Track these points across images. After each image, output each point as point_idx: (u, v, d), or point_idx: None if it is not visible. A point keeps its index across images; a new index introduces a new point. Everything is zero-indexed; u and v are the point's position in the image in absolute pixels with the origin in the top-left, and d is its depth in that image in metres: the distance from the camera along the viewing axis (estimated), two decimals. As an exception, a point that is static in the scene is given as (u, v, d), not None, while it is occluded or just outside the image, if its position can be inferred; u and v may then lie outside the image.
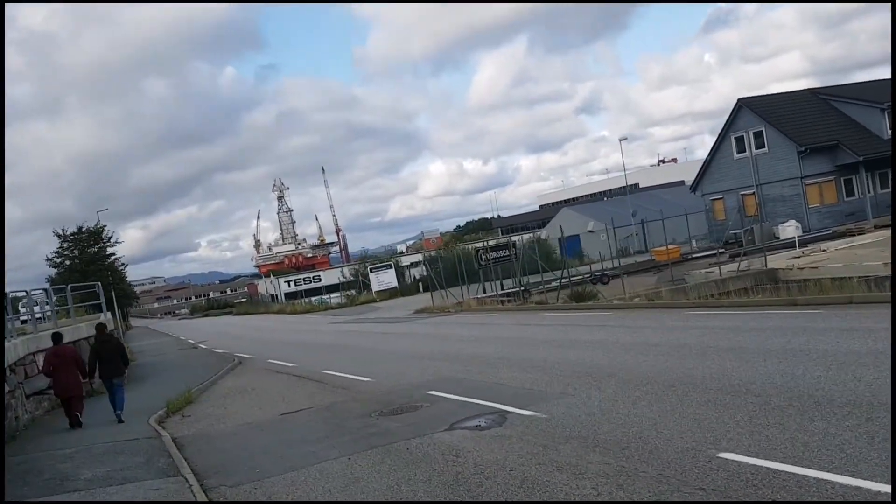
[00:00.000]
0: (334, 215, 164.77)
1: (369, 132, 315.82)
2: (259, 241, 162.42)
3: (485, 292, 36.62)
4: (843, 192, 42.24)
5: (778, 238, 40.55)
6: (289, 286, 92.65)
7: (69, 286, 19.43)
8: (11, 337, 14.78)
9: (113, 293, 26.17)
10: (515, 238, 53.04)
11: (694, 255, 42.59)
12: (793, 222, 41.14)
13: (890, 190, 40.63)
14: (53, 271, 41.26)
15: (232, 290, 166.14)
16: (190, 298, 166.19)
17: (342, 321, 38.61)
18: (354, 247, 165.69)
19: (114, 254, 43.30)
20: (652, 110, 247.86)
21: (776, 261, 27.64)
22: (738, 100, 45.60)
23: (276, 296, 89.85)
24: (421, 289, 56.50)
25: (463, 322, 24.82)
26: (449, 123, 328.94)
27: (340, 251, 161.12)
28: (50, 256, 41.77)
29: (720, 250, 39.58)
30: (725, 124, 46.60)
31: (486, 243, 43.92)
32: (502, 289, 36.97)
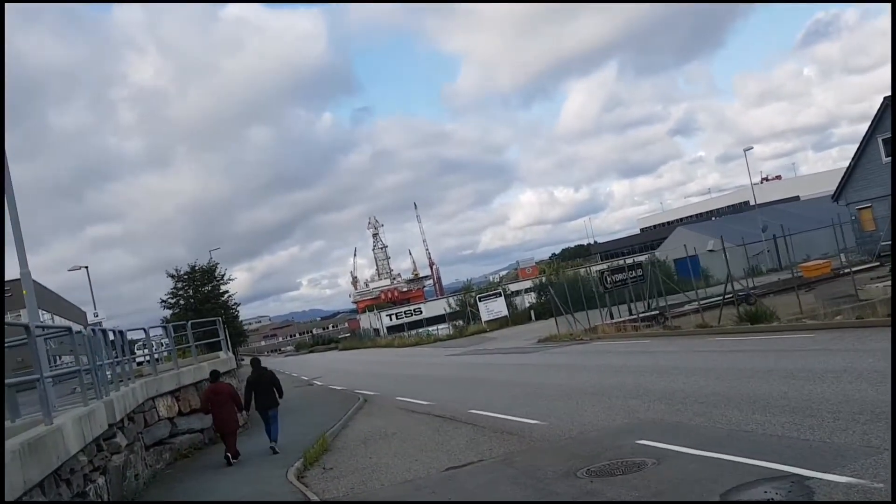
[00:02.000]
0: (427, 249, 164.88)
1: (459, 166, 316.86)
2: (356, 277, 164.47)
3: (612, 317, 33.48)
4: None
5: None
6: (391, 319, 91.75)
7: (189, 322, 17.96)
8: (129, 381, 13.16)
9: (227, 331, 24.76)
10: (641, 258, 49.40)
11: (846, 270, 37.91)
12: (962, 229, 35.94)
13: None
14: (168, 313, 40.95)
15: (333, 326, 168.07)
16: (294, 336, 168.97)
17: (459, 353, 36.29)
18: (447, 279, 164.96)
19: (227, 291, 42.73)
20: (750, 128, 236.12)
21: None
22: (885, 98, 40.83)
23: (379, 330, 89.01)
24: (533, 317, 53.71)
25: (611, 350, 21.92)
26: (539, 152, 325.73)
27: (434, 284, 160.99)
28: (164, 298, 41.55)
29: (875, 262, 34.84)
30: (870, 126, 41.84)
31: (609, 265, 40.69)
32: (630, 313, 33.75)
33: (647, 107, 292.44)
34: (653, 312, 31.85)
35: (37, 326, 7.79)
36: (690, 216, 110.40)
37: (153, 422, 14.06)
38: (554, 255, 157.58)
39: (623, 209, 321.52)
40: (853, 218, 45.00)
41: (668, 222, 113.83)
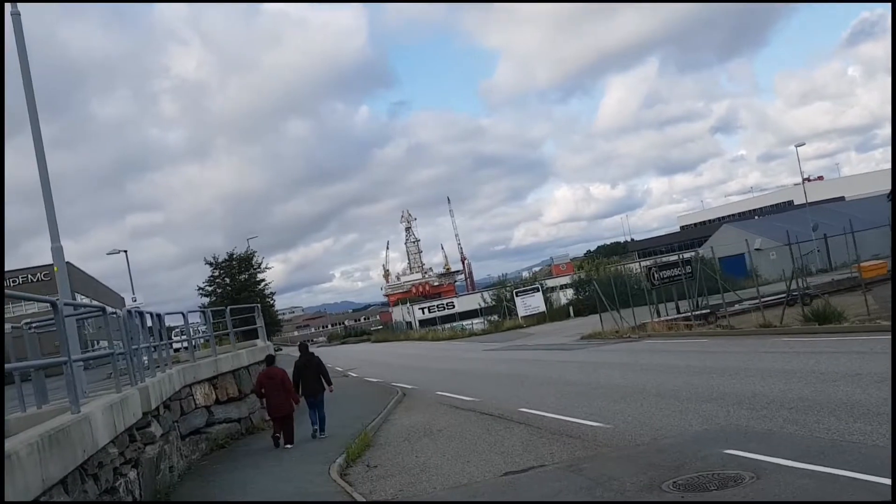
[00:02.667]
0: (459, 244, 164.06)
1: (495, 161, 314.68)
2: (388, 270, 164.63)
3: (658, 315, 32.20)
4: None
5: None
6: (423, 313, 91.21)
7: (228, 308, 17.29)
8: (167, 366, 12.49)
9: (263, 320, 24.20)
10: (687, 254, 47.84)
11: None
12: None
13: None
14: (205, 300, 40.71)
15: (365, 319, 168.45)
16: (326, 326, 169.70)
17: (496, 348, 35.35)
18: (479, 275, 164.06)
19: (263, 279, 42.36)
20: (792, 127, 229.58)
21: None
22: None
23: (411, 323, 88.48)
24: (572, 313, 52.49)
25: (667, 349, 20.78)
26: (575, 148, 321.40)
27: (466, 279, 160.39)
28: (201, 285, 41.33)
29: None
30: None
31: (656, 261, 39.38)
32: (678, 311, 32.43)
33: (687, 104, 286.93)
34: (703, 311, 30.55)
35: (66, 304, 7.07)
36: (732, 215, 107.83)
37: (189, 410, 13.40)
38: (589, 251, 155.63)
39: (661, 206, 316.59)
40: (914, 217, 42.94)
41: (710, 220, 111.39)
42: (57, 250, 9.45)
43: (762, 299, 28.12)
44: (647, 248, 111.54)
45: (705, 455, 8.09)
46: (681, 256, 42.16)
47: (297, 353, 15.16)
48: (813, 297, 29.73)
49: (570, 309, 53.06)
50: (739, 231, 64.99)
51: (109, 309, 8.69)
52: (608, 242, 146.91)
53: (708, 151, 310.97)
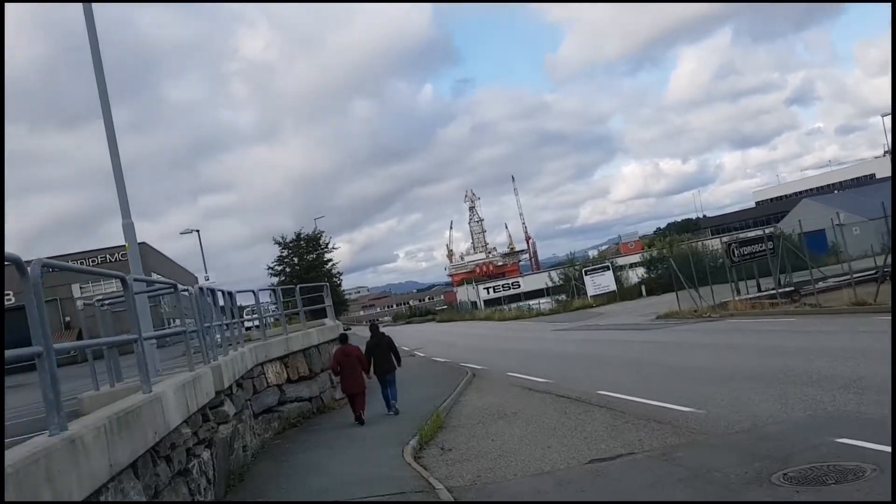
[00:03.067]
0: (524, 223, 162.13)
1: (560, 138, 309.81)
2: (451, 250, 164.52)
3: (738, 293, 30.76)
4: None
5: None
6: (488, 293, 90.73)
7: (298, 287, 17.17)
8: (238, 344, 12.37)
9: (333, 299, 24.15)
10: (769, 230, 45.88)
11: None
12: None
13: None
14: (274, 280, 41.22)
15: (429, 299, 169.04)
16: (391, 307, 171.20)
17: (566, 328, 34.58)
18: (544, 254, 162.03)
19: (331, 259, 42.63)
20: (872, 98, 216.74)
21: None
22: None
23: (476, 302, 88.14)
24: (644, 292, 51.10)
25: (753, 329, 19.68)
26: (644, 122, 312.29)
27: (530, 259, 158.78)
28: (270, 265, 41.85)
29: None
30: None
31: (736, 237, 37.75)
32: (759, 289, 30.92)
33: (762, 75, 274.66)
34: (786, 289, 29.03)
35: (136, 280, 6.84)
36: (810, 189, 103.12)
37: (262, 389, 13.30)
38: (659, 229, 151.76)
39: (734, 182, 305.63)
40: None
41: (787, 195, 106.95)
42: (128, 227, 9.32)
43: (842, 277, 26.53)
44: (721, 224, 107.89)
45: (815, 444, 7.34)
46: (764, 231, 40.30)
47: (364, 333, 15.10)
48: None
49: (642, 288, 51.65)
50: (820, 206, 62.00)
51: (181, 286, 8.49)
52: (679, 219, 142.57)
53: (783, 124, 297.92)
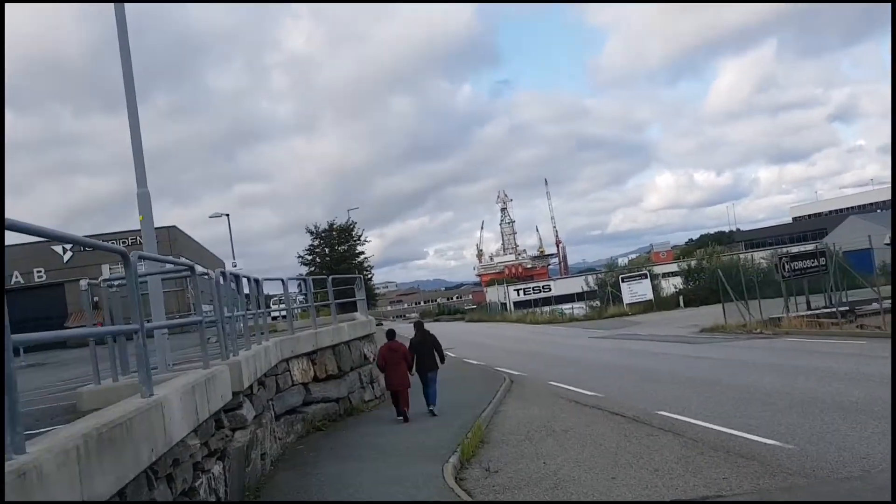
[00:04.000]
0: (555, 227, 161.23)
1: (597, 144, 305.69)
2: (481, 250, 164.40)
3: (787, 310, 28.99)
4: None
5: None
6: (518, 295, 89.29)
7: (330, 277, 16.01)
8: (262, 337, 11.20)
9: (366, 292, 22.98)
10: (820, 245, 43.92)
11: None
12: None
13: None
14: (304, 270, 40.28)
15: (457, 297, 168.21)
16: (419, 303, 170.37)
17: (604, 335, 33.04)
18: (573, 259, 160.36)
19: (363, 252, 41.59)
20: None
21: None
22: None
23: (506, 304, 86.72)
24: (682, 303, 49.20)
25: (816, 350, 18.05)
26: (681, 133, 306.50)
27: (560, 263, 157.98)
28: (301, 254, 40.94)
29: None
30: None
31: (788, 251, 35.92)
32: (809, 307, 29.15)
33: (805, 89, 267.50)
34: (841, 308, 27.23)
35: (141, 257, 5.65)
36: (850, 207, 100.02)
37: (286, 387, 12.15)
38: (691, 240, 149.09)
39: (768, 197, 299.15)
40: None
41: (826, 213, 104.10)
42: (143, 196, 8.17)
43: None
44: (756, 238, 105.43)
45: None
46: (816, 247, 38.24)
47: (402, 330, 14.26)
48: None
49: (680, 299, 49.74)
50: (868, 223, 59.38)
51: (200, 269, 7.33)
52: (711, 231, 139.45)
53: (823, 140, 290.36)
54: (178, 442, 5.54)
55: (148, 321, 6.92)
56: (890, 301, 25.20)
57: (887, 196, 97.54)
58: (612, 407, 13.01)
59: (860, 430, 8.89)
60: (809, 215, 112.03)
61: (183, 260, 6.98)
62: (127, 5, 8.55)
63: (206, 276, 7.98)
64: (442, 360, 14.14)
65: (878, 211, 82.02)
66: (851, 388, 11.98)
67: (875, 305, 27.01)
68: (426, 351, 13.88)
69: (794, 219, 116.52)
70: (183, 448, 5.82)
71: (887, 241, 52.98)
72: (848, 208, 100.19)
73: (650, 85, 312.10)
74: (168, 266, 8.38)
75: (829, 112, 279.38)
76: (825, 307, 28.28)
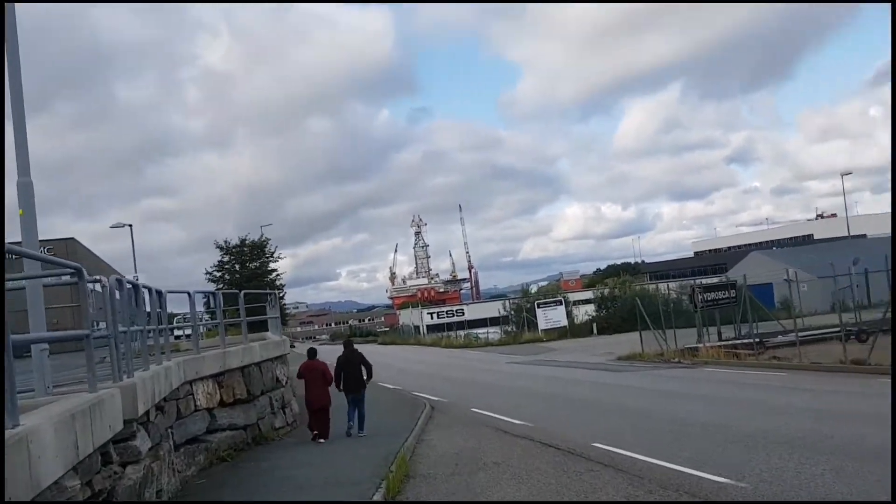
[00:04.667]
0: (468, 252, 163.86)
1: (510, 173, 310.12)
2: (394, 273, 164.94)
3: (698, 340, 29.48)
4: None
5: None
6: (431, 318, 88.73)
7: (242, 292, 14.71)
8: (163, 354, 9.85)
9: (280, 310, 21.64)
10: (713, 279, 45.35)
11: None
12: None
13: None
14: (213, 287, 38.07)
15: (369, 320, 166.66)
16: (330, 325, 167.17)
17: (522, 362, 32.67)
18: (485, 285, 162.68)
19: (275, 269, 39.82)
20: (809, 163, 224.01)
21: None
22: None
23: (419, 327, 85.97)
24: (595, 330, 49.68)
25: (742, 381, 18.00)
26: (591, 167, 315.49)
27: (472, 288, 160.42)
28: (209, 270, 38.76)
29: None
30: None
31: (701, 282, 36.73)
32: (720, 337, 29.76)
33: (706, 132, 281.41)
34: (751, 340, 27.92)
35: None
36: (748, 245, 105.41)
37: (188, 413, 10.80)
38: (598, 269, 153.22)
39: (670, 232, 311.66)
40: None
41: (727, 248, 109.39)
42: (24, 186, 6.84)
43: (827, 330, 25.51)
44: (660, 270, 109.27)
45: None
46: (727, 279, 39.38)
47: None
48: (869, 334, 26.92)
49: (594, 326, 50.25)
50: (768, 259, 62.16)
51: (90, 276, 6.11)
52: (618, 262, 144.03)
53: (722, 181, 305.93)
54: (50, 485, 4.37)
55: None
56: (803, 333, 25.97)
57: (784, 234, 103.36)
58: (544, 437, 12.31)
59: (812, 467, 8.47)
60: (710, 250, 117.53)
61: (69, 262, 5.75)
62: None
63: (98, 284, 6.73)
64: (370, 374, 13.94)
65: (774, 248, 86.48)
66: (787, 421, 11.73)
67: (781, 338, 27.85)
68: (352, 371, 13.52)
69: (696, 253, 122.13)
70: (57, 491, 4.64)
71: (785, 276, 55.47)
72: (745, 245, 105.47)
73: (562, 121, 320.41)
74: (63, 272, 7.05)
75: (727, 154, 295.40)
76: (735, 338, 28.98)
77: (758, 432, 10.91)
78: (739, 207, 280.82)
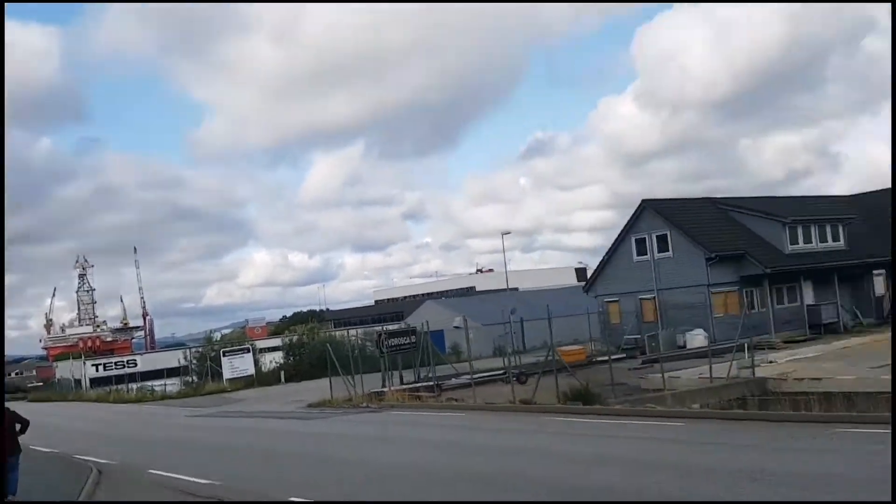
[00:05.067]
0: (143, 297, 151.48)
1: (193, 215, 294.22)
2: (51, 320, 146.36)
3: (383, 384, 30.66)
4: (745, 304, 41.37)
5: (684, 347, 38.55)
6: (97, 370, 79.44)
7: None
8: None
9: None
10: (392, 326, 47.86)
11: (601, 359, 39.29)
12: (700, 331, 39.41)
13: (789, 304, 40.98)
14: None
15: (17, 373, 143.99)
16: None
17: (205, 414, 30.50)
18: (162, 333, 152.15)
19: None
20: (471, 223, 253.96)
21: (762, 370, 24.54)
22: (643, 201, 44.41)
23: (81, 381, 76.31)
24: (283, 378, 48.61)
25: (428, 423, 18.78)
26: (278, 215, 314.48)
27: (146, 336, 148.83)
28: None
29: (621, 354, 36.74)
30: (626, 225, 44.74)
31: (386, 329, 38.27)
32: (401, 381, 31.36)
33: (385, 189, 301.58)
34: (430, 383, 29.88)
35: None
36: (423, 294, 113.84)
37: None
38: (285, 317, 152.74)
39: (353, 281, 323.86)
40: (601, 310, 47.62)
41: (403, 297, 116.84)
42: None
43: (474, 376, 28.09)
44: (344, 318, 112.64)
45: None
46: (409, 325, 41.61)
47: None
48: (528, 376, 30.54)
49: (282, 374, 49.25)
50: (442, 308, 67.21)
51: None
52: (303, 309, 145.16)
53: (398, 235, 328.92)
54: None
55: None
56: (475, 376, 28.32)
57: (452, 286, 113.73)
58: (236, 496, 11.39)
59: None
60: (388, 299, 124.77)
61: None
62: None
63: None
64: (25, 427, 12.29)
65: (443, 298, 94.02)
66: (485, 461, 12.39)
67: (454, 380, 30.24)
68: (4, 432, 11.57)
69: (376, 301, 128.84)
70: None
71: (456, 323, 60.58)
72: (420, 294, 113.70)
73: (250, 165, 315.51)
74: None
75: (402, 211, 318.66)
76: (415, 381, 30.79)
77: (461, 473, 11.35)
78: (413, 260, 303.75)
